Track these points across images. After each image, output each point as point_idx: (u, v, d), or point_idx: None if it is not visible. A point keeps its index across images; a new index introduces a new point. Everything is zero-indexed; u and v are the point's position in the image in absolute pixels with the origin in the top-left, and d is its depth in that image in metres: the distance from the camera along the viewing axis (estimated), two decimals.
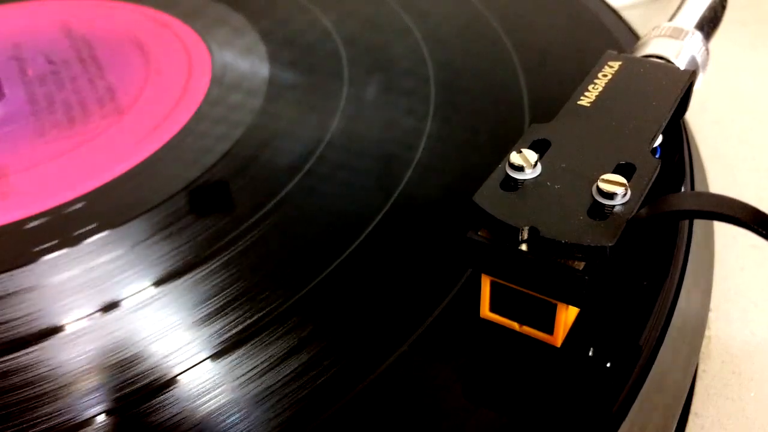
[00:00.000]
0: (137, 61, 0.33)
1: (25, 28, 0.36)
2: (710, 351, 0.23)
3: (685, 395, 0.21)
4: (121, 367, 0.19)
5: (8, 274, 0.22)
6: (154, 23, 0.36)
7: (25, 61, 0.34)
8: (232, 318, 0.20)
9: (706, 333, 0.23)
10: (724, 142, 0.31)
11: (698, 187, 0.24)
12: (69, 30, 0.36)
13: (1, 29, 0.36)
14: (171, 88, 0.31)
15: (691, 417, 0.21)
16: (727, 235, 0.26)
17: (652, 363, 0.18)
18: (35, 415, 0.18)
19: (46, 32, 0.36)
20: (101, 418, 0.18)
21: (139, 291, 0.21)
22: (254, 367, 0.19)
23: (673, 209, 0.16)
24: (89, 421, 0.18)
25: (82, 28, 0.36)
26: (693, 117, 0.31)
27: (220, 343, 0.20)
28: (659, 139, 0.21)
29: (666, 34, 0.24)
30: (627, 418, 0.17)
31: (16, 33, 0.36)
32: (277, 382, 0.18)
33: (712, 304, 0.24)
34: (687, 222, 0.22)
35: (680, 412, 0.20)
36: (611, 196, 0.17)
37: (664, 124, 0.20)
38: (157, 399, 0.18)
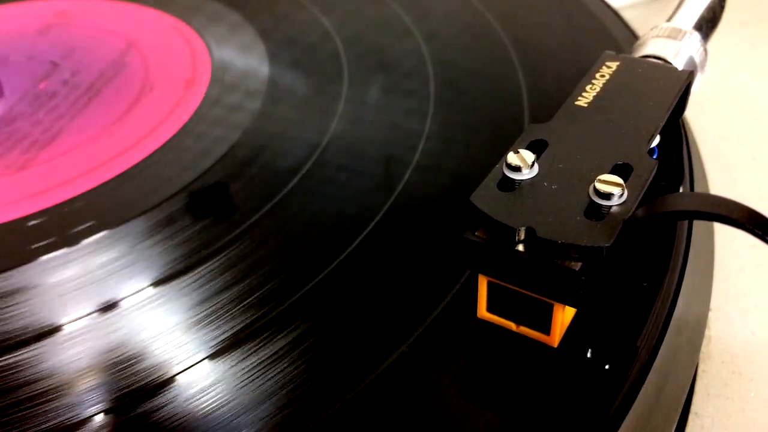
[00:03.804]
0: (136, 61, 0.33)
1: (23, 28, 0.36)
2: (710, 351, 0.23)
3: (685, 395, 0.21)
4: (119, 366, 0.19)
5: (7, 273, 0.22)
6: (153, 23, 0.36)
7: (24, 59, 0.34)
8: (230, 318, 0.20)
9: (706, 333, 0.23)
10: (724, 142, 0.31)
11: (698, 188, 0.24)
12: (66, 30, 0.36)
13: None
14: (170, 88, 0.31)
15: (691, 417, 0.21)
16: (726, 235, 0.26)
17: (652, 363, 0.18)
18: (34, 414, 0.18)
19: (45, 31, 0.36)
20: (100, 417, 0.18)
21: (138, 291, 0.21)
22: (253, 367, 0.19)
23: (670, 210, 0.16)
24: (88, 420, 0.18)
25: (80, 28, 0.36)
26: (693, 117, 0.31)
27: (219, 342, 0.20)
28: (657, 140, 0.21)
29: (664, 34, 0.24)
30: (627, 418, 0.17)
31: (14, 32, 0.36)
32: (276, 381, 0.18)
33: (712, 304, 0.24)
34: (687, 222, 0.22)
35: (680, 412, 0.20)
36: (608, 196, 0.17)
37: (662, 125, 0.20)
38: (155, 398, 0.18)
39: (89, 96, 0.31)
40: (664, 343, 0.19)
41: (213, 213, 0.25)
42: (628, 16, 0.33)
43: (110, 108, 0.30)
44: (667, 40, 0.24)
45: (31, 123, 0.30)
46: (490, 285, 0.18)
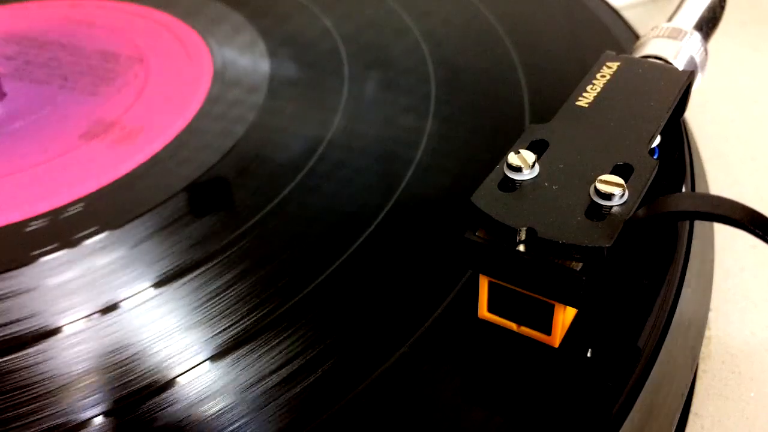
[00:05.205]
0: (137, 61, 0.33)
1: (26, 28, 0.36)
2: (710, 351, 0.23)
3: (685, 395, 0.21)
4: (120, 368, 0.19)
5: (7, 275, 0.22)
6: (154, 22, 0.36)
7: (25, 60, 0.34)
8: (232, 318, 0.20)
9: (706, 333, 0.23)
10: (724, 142, 0.31)
11: (698, 188, 0.24)
12: (69, 29, 0.36)
13: (1, 28, 0.37)
14: (171, 88, 0.31)
15: (691, 417, 0.21)
16: (727, 236, 0.26)
17: (653, 363, 0.18)
18: (34, 416, 0.18)
19: (47, 32, 0.36)
20: (100, 419, 0.18)
21: (139, 292, 0.21)
22: (254, 368, 0.19)
23: (670, 210, 0.16)
24: (88, 422, 0.18)
25: (83, 27, 0.36)
26: (693, 117, 0.31)
27: (221, 344, 0.20)
28: (657, 140, 0.21)
29: (664, 34, 0.24)
30: (627, 418, 0.17)
31: (16, 32, 0.36)
32: (278, 382, 0.18)
33: (712, 304, 0.24)
34: (687, 222, 0.22)
35: (680, 412, 0.20)
36: (609, 196, 0.17)
37: (662, 125, 0.20)
38: (156, 400, 0.18)
39: (90, 96, 0.31)
40: (664, 343, 0.19)
41: (214, 213, 0.25)
42: (628, 16, 0.33)
43: (111, 108, 0.30)
44: (668, 40, 0.24)
45: (31, 123, 0.30)
46: (491, 285, 0.18)
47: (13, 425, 0.18)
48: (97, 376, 0.19)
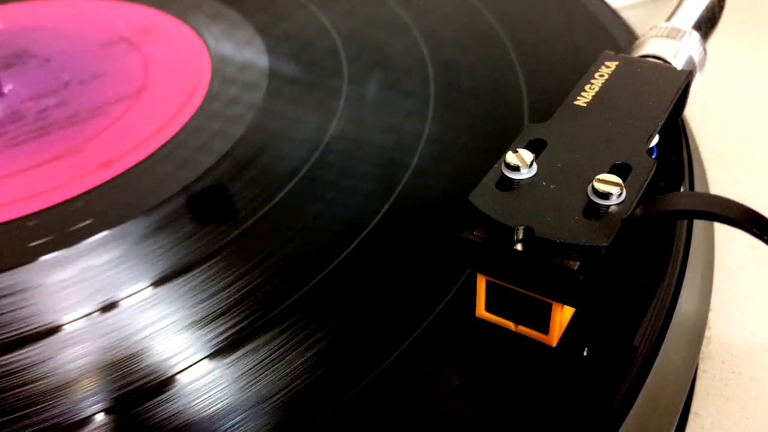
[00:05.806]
0: (135, 62, 0.33)
1: (24, 28, 0.36)
2: (710, 351, 0.23)
3: (685, 395, 0.21)
4: (119, 366, 0.19)
5: (6, 273, 0.23)
6: (153, 23, 0.36)
7: (23, 59, 0.34)
8: (230, 318, 0.20)
9: (706, 333, 0.23)
10: (724, 142, 0.31)
11: (698, 187, 0.24)
12: (67, 29, 0.36)
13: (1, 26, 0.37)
14: (169, 88, 0.31)
15: (691, 417, 0.21)
16: (726, 235, 0.26)
17: (652, 363, 0.18)
18: (34, 414, 0.18)
19: (45, 31, 0.36)
20: (100, 417, 0.18)
21: (138, 291, 0.21)
22: (252, 367, 0.19)
23: (668, 209, 0.16)
24: (87, 420, 0.18)
25: (80, 27, 0.36)
26: (693, 117, 0.31)
27: (218, 343, 0.20)
28: (656, 139, 0.21)
29: (663, 34, 0.24)
30: (627, 418, 0.17)
31: (16, 33, 0.36)
32: (276, 382, 0.18)
33: (712, 304, 0.24)
34: (686, 222, 0.22)
35: (680, 412, 0.20)
36: (606, 196, 0.17)
37: (661, 125, 0.20)
38: (155, 398, 0.18)
39: (88, 96, 0.31)
40: (664, 343, 0.19)
41: (212, 213, 0.25)
42: (627, 16, 0.33)
43: (109, 108, 0.30)
44: (667, 40, 0.24)
45: (30, 121, 0.30)
46: (488, 284, 0.18)
47: (12, 423, 0.18)
48: (96, 374, 0.19)
